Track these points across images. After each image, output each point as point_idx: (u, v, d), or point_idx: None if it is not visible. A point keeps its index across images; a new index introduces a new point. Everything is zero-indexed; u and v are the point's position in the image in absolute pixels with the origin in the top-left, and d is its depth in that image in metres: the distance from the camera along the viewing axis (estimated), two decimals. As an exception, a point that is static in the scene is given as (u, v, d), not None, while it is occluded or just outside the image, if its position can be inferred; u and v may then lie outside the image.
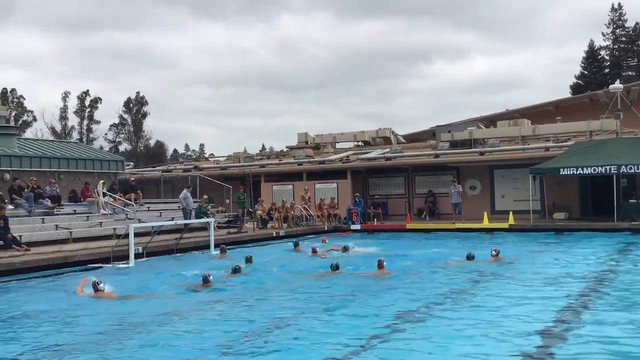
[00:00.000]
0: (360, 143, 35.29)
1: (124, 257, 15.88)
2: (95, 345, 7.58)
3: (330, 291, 11.22)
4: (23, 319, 9.56)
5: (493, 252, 14.75)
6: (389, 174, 30.49)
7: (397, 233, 24.51)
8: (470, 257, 14.52)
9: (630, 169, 21.97)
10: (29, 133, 66.14)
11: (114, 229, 19.10)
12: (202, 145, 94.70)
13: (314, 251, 17.09)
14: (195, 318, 9.17)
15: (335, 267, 13.13)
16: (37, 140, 30.96)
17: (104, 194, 21.57)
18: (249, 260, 15.14)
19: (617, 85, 26.07)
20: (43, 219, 18.80)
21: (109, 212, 21.17)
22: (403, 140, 36.28)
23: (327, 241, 20.26)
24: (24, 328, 8.93)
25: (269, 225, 25.44)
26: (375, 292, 10.91)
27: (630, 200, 23.29)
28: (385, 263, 13.02)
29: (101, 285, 11.16)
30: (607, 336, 7.46)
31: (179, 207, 23.09)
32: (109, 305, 10.35)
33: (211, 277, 11.92)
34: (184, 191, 22.65)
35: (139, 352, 7.35)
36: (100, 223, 19.88)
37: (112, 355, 7.19)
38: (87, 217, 20.26)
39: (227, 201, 27.48)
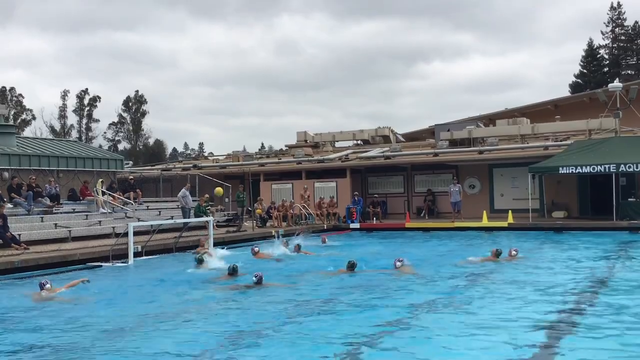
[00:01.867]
0: (359, 142, 35.30)
1: (123, 256, 15.87)
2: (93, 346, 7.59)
3: (351, 287, 11.22)
4: (21, 319, 9.55)
5: (513, 251, 14.51)
6: (388, 172, 30.50)
7: (396, 232, 24.51)
8: (497, 254, 14.13)
9: (630, 167, 21.96)
10: (28, 132, 66.29)
11: (113, 227, 19.11)
12: (201, 144, 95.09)
13: (255, 253, 15.89)
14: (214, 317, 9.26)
15: (351, 266, 12.66)
16: (36, 138, 30.94)
17: (103, 193, 21.59)
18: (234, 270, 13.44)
19: (617, 84, 26.05)
20: (42, 217, 18.83)
21: (108, 210, 21.20)
22: (402, 139, 36.30)
23: (327, 240, 20.14)
24: (22, 325, 8.93)
25: (268, 224, 25.45)
26: (395, 290, 10.99)
27: (630, 199, 23.30)
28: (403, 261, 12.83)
29: (47, 285, 10.60)
30: (606, 336, 7.46)
31: (178, 205, 23.08)
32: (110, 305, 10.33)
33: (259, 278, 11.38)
34: (183, 190, 22.63)
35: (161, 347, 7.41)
36: (100, 222, 19.89)
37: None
38: (86, 215, 20.27)
39: (227, 200, 27.48)
